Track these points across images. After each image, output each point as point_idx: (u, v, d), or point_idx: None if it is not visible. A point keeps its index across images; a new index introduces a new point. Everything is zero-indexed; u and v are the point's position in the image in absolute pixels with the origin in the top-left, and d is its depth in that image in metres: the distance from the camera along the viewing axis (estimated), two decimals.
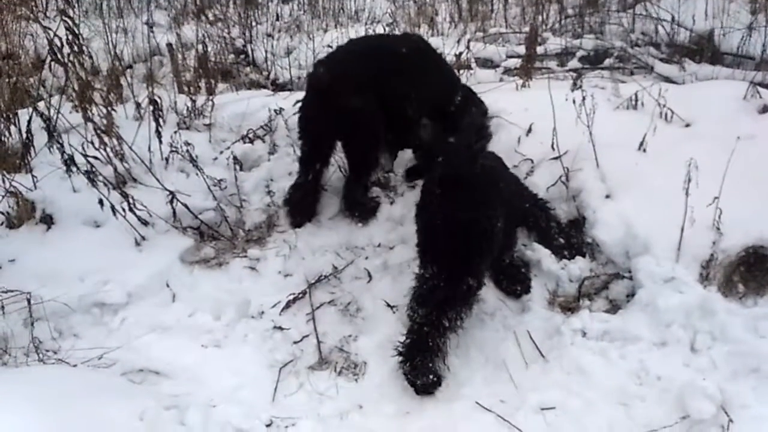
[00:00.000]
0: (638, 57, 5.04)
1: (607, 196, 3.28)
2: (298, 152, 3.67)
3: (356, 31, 5.62)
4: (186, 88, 4.71)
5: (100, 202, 3.27)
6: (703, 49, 5.01)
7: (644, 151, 3.46)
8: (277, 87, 5.38)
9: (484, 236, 2.69)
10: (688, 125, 3.74)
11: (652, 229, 3.06)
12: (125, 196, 3.31)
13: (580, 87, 3.40)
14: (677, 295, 2.83)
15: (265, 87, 5.38)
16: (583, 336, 2.82)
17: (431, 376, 2.68)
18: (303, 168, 3.60)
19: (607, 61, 5.10)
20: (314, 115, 3.44)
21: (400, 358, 2.73)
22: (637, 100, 3.90)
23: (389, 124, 3.53)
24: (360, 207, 3.59)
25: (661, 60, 5.00)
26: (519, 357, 2.81)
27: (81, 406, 2.29)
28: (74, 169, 3.39)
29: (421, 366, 2.67)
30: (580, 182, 3.36)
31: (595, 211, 3.23)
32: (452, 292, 2.73)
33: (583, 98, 3.32)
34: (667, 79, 4.68)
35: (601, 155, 3.38)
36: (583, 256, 3.21)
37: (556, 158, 3.47)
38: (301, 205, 3.62)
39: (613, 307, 3.01)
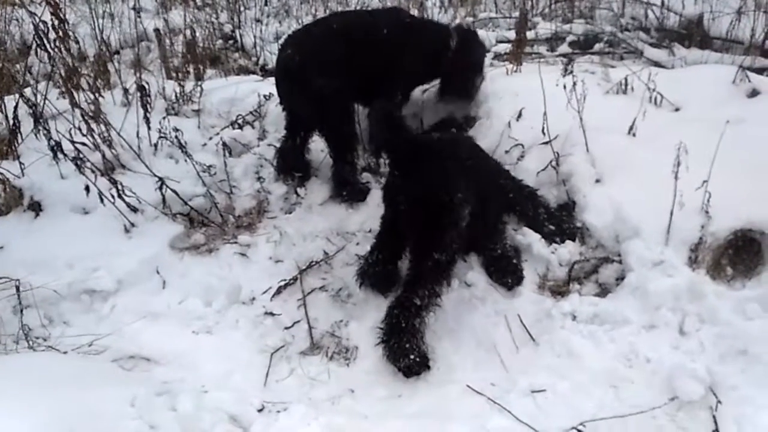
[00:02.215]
0: (628, 42, 5.04)
1: (597, 181, 3.29)
2: None
3: None
4: (174, 74, 4.68)
5: (87, 188, 3.25)
6: (693, 34, 5.01)
7: (634, 135, 3.46)
8: (266, 72, 5.35)
9: (445, 210, 2.66)
10: (677, 109, 3.75)
11: (641, 213, 3.07)
12: (114, 182, 3.29)
13: (571, 72, 3.39)
14: (666, 278, 2.85)
15: (254, 72, 5.35)
16: (573, 319, 2.84)
17: (412, 356, 2.67)
18: (288, 133, 3.74)
19: (597, 46, 5.09)
20: (285, 93, 3.57)
21: (382, 345, 2.74)
22: (626, 85, 3.90)
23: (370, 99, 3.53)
24: (347, 187, 3.60)
25: (651, 45, 5.00)
26: (509, 340, 2.82)
27: (71, 393, 2.28)
28: (61, 155, 3.37)
29: (398, 348, 2.67)
30: (570, 167, 3.36)
31: (585, 195, 3.24)
32: (419, 269, 2.73)
33: (573, 83, 3.32)
34: (657, 64, 4.67)
35: (591, 140, 3.38)
36: (573, 240, 3.22)
37: (546, 143, 3.47)
38: (292, 163, 3.73)
39: (603, 291, 3.02)
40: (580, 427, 2.39)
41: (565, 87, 3.34)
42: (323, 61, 3.37)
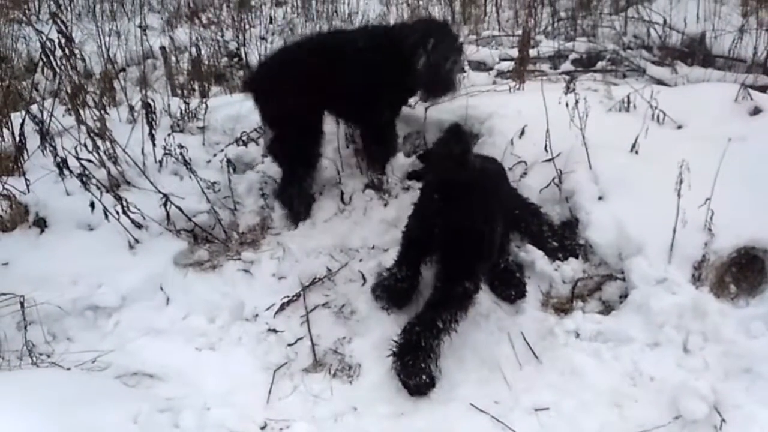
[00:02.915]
0: (630, 60, 5.07)
1: (600, 198, 3.30)
2: None
3: None
4: (179, 91, 4.71)
5: (92, 205, 3.27)
6: (695, 52, 5.04)
7: (636, 152, 3.47)
8: None
9: (484, 242, 2.72)
10: (680, 127, 3.76)
11: (644, 230, 3.07)
12: (119, 198, 3.31)
13: (574, 90, 3.41)
14: (670, 296, 2.85)
15: None
16: (577, 337, 2.84)
17: (424, 377, 2.68)
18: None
19: (600, 64, 5.12)
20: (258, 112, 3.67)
21: (393, 358, 2.73)
22: (629, 103, 3.92)
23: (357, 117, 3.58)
24: (289, 203, 3.63)
25: (653, 63, 5.03)
26: (513, 358, 2.81)
27: (75, 410, 2.28)
28: (67, 172, 3.39)
29: (413, 366, 2.67)
30: (573, 184, 3.37)
31: (588, 212, 3.25)
32: (449, 294, 2.74)
33: (576, 100, 3.34)
34: (659, 82, 4.70)
35: (594, 157, 3.40)
36: (576, 257, 3.22)
37: (549, 160, 3.48)
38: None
39: (606, 308, 3.02)
40: None
41: (567, 104, 3.36)
42: (291, 83, 3.39)
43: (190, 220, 3.52)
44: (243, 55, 5.79)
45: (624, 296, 3.00)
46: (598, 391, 2.61)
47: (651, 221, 3.07)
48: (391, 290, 3.03)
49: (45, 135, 3.42)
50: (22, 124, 3.55)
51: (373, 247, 3.51)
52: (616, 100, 3.97)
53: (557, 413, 2.55)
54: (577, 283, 3.11)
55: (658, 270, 2.94)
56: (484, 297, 3.11)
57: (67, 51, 3.39)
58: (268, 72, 3.62)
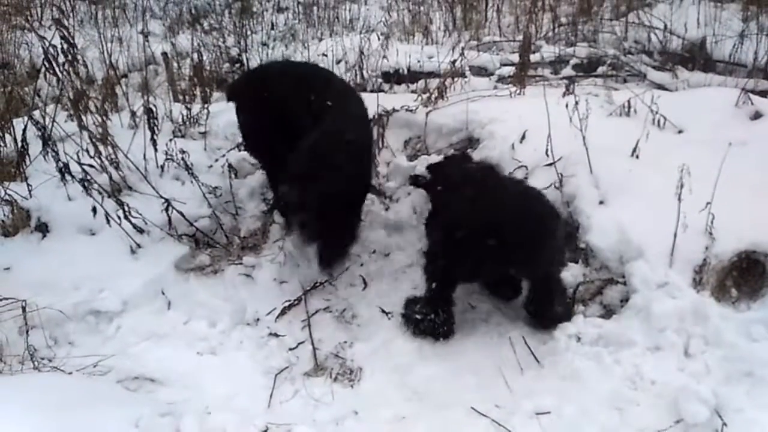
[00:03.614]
0: (631, 65, 5.08)
1: (601, 202, 3.30)
2: None
3: (351, 40, 5.65)
4: (181, 97, 4.73)
5: (94, 210, 3.28)
6: (696, 57, 5.06)
7: (637, 157, 3.48)
8: None
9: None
10: (680, 132, 3.77)
11: (645, 234, 3.07)
12: (120, 204, 3.32)
13: (573, 93, 3.42)
14: (671, 300, 2.84)
15: None
16: (578, 341, 2.83)
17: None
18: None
19: (601, 69, 5.13)
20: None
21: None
22: (630, 107, 3.93)
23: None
24: (283, 212, 3.63)
25: (654, 68, 5.04)
26: (514, 362, 2.81)
27: (76, 414, 2.29)
28: (69, 177, 3.40)
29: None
30: (573, 188, 3.38)
31: (589, 216, 3.25)
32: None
33: (576, 104, 3.34)
34: (660, 87, 4.71)
35: (595, 162, 3.40)
36: (576, 262, 3.22)
37: (550, 164, 3.49)
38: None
39: (608, 312, 3.02)
40: None
41: (567, 106, 3.37)
42: (252, 97, 3.48)
43: (191, 224, 3.53)
44: (245, 61, 5.81)
45: (625, 300, 2.99)
46: (599, 395, 2.61)
47: (652, 225, 3.07)
48: (434, 332, 2.94)
49: (47, 140, 3.43)
50: (24, 130, 3.56)
51: (374, 252, 3.51)
52: (617, 104, 3.98)
53: (558, 417, 2.54)
54: (578, 288, 3.11)
55: (659, 274, 2.93)
56: (485, 301, 3.12)
57: (69, 57, 3.40)
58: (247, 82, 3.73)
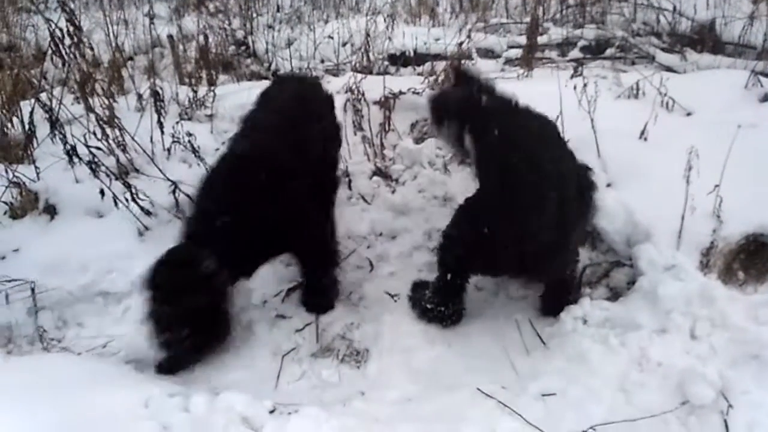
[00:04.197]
0: (639, 47, 5.04)
1: (608, 185, 3.29)
2: None
3: (357, 23, 5.62)
4: (187, 80, 4.72)
5: (101, 192, 3.29)
6: (705, 39, 5.00)
7: (645, 139, 3.46)
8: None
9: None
10: (689, 114, 3.75)
11: (652, 217, 3.06)
12: (128, 186, 3.33)
13: (581, 75, 3.40)
14: (678, 282, 2.83)
15: (266, 78, 5.38)
16: (584, 323, 2.83)
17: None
18: None
19: (609, 51, 5.09)
20: None
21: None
22: (638, 90, 3.90)
23: None
24: None
25: (663, 49, 5.00)
26: (520, 344, 2.82)
27: (85, 394, 2.30)
28: (77, 159, 3.41)
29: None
30: None
31: (597, 199, 3.23)
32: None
33: (585, 86, 3.32)
34: (669, 69, 4.67)
35: (603, 144, 3.38)
36: (583, 245, 3.21)
37: None
38: None
39: (614, 295, 3.02)
40: (591, 431, 2.38)
41: (575, 88, 3.34)
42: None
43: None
44: (250, 44, 5.80)
45: (632, 283, 2.99)
46: (605, 376, 2.61)
47: (659, 208, 3.05)
48: (443, 321, 2.93)
49: (55, 123, 3.44)
50: (31, 113, 3.57)
51: (380, 234, 3.52)
52: (625, 87, 3.95)
53: (564, 399, 2.54)
54: (585, 270, 3.10)
55: (666, 257, 2.92)
56: (491, 283, 3.13)
57: (75, 39, 3.40)
58: None
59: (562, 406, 2.52)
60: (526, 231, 2.52)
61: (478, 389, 2.61)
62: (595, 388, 2.57)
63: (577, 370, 2.65)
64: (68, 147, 3.39)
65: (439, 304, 2.89)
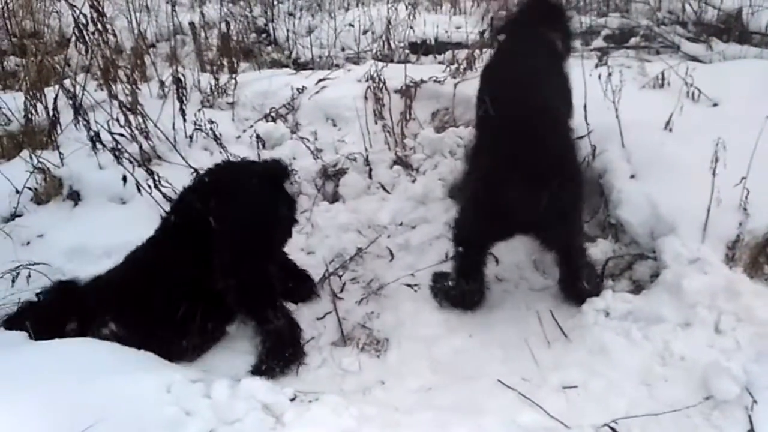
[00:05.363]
0: (664, 36, 4.96)
1: (632, 176, 3.24)
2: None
3: (378, 10, 5.59)
4: (209, 67, 4.73)
5: (124, 178, 3.31)
6: (731, 28, 4.92)
7: (670, 130, 3.41)
8: (299, 66, 5.38)
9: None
10: (715, 105, 3.68)
11: (677, 209, 3.02)
12: (150, 173, 3.34)
13: (605, 64, 3.35)
14: (702, 276, 2.80)
15: (286, 66, 5.38)
16: (606, 316, 2.81)
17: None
18: None
19: (633, 40, 5.02)
20: None
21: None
22: (663, 80, 3.85)
23: None
24: None
25: (688, 39, 4.92)
26: (541, 336, 2.81)
27: (109, 379, 2.32)
28: (100, 146, 3.43)
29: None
30: (604, 162, 3.33)
31: (620, 191, 3.20)
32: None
33: (609, 75, 3.28)
34: (694, 59, 4.59)
35: (627, 134, 3.34)
36: (606, 237, 3.18)
37: (582, 137, 3.43)
38: None
39: (637, 288, 2.99)
40: (613, 425, 2.36)
41: (600, 77, 3.30)
42: None
43: None
44: (271, 31, 5.79)
45: (655, 276, 2.96)
46: (628, 370, 2.59)
47: (684, 200, 3.01)
48: (462, 303, 2.95)
49: (78, 109, 3.46)
50: (55, 99, 3.60)
51: (401, 224, 3.51)
52: (650, 77, 3.89)
53: (585, 391, 2.53)
54: (607, 262, 3.08)
55: (690, 250, 2.89)
56: (512, 274, 3.12)
57: (99, 26, 3.42)
58: None
59: (584, 399, 2.51)
60: (525, 157, 2.54)
61: (499, 380, 2.60)
62: (617, 382, 2.56)
63: (599, 363, 2.64)
64: (92, 133, 3.41)
65: (460, 282, 2.90)
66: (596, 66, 3.36)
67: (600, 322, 2.78)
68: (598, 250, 3.11)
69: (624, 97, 3.32)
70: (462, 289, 2.91)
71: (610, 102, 3.31)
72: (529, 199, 2.51)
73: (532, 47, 3.20)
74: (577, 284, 2.89)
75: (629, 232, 3.13)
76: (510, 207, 2.57)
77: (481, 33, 4.41)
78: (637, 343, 2.69)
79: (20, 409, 2.10)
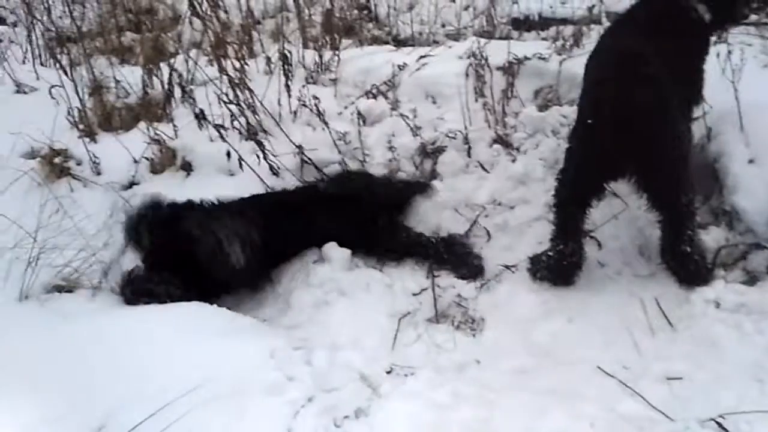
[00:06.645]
0: None
1: (751, 161, 3.06)
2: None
3: None
4: (312, 44, 4.81)
5: (228, 154, 3.45)
6: None
7: None
8: (399, 43, 5.38)
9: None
10: None
11: None
12: (260, 144, 3.45)
13: (725, 41, 3.16)
14: None
15: (386, 43, 5.39)
16: (716, 307, 2.68)
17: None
18: None
19: (755, 17, 4.68)
20: None
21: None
22: None
23: None
24: None
25: None
26: (645, 324, 2.71)
27: (221, 341, 2.48)
28: (204, 123, 3.59)
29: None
30: (721, 145, 3.15)
31: (737, 176, 3.02)
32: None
33: (729, 53, 3.09)
34: None
35: (747, 117, 3.14)
36: (719, 225, 3.03)
37: (696, 118, 3.26)
38: None
39: (751, 279, 2.83)
40: (719, 419, 2.26)
41: (718, 56, 3.12)
42: None
43: (319, 171, 3.62)
44: (372, 8, 5.81)
45: None
46: (737, 364, 2.47)
47: None
48: (559, 269, 2.91)
49: (184, 87, 3.62)
50: (170, 74, 3.78)
51: (499, 204, 3.48)
52: None
53: (691, 383, 2.43)
54: (719, 251, 2.93)
55: None
56: (615, 259, 3.02)
57: (212, 2, 3.55)
58: None
59: (689, 391, 2.41)
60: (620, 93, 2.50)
61: (598, 367, 2.54)
62: (725, 375, 2.44)
63: (706, 355, 2.52)
64: (197, 110, 3.56)
65: (557, 244, 2.86)
66: (714, 43, 3.17)
67: (709, 313, 2.66)
68: (710, 238, 2.96)
69: (745, 77, 3.13)
70: (559, 252, 2.85)
71: (728, 82, 3.13)
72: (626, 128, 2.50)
73: (653, 16, 2.97)
74: (682, 249, 2.75)
75: (745, 220, 2.96)
76: (608, 138, 2.56)
77: (590, 8, 4.25)
78: (749, 337, 2.55)
79: (141, 363, 2.27)
